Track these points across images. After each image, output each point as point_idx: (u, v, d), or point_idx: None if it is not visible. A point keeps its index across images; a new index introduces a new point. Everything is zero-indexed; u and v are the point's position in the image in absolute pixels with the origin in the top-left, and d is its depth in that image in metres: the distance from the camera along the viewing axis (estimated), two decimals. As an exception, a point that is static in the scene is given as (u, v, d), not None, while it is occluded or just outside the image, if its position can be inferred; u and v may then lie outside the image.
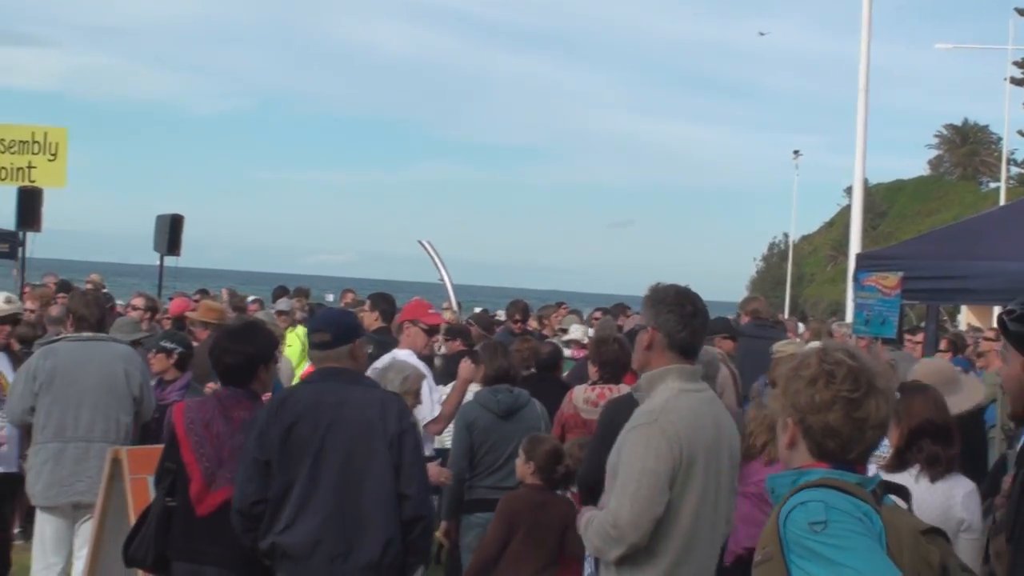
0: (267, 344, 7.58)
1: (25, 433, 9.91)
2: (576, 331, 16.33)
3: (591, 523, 5.85)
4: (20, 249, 20.87)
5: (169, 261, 22.93)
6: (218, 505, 7.07)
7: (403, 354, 10.17)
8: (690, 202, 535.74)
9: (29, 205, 20.52)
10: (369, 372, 8.48)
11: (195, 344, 11.69)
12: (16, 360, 10.41)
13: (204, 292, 23.04)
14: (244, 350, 7.39)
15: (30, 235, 20.93)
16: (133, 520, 8.38)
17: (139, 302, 14.97)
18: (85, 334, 9.82)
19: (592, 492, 8.87)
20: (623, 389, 9.91)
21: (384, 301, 13.10)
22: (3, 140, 21.03)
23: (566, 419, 10.11)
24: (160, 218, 22.32)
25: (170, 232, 22.11)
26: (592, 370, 10.45)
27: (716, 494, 5.86)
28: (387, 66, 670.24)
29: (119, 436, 9.64)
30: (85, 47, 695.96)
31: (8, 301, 10.53)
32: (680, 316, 5.92)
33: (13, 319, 10.63)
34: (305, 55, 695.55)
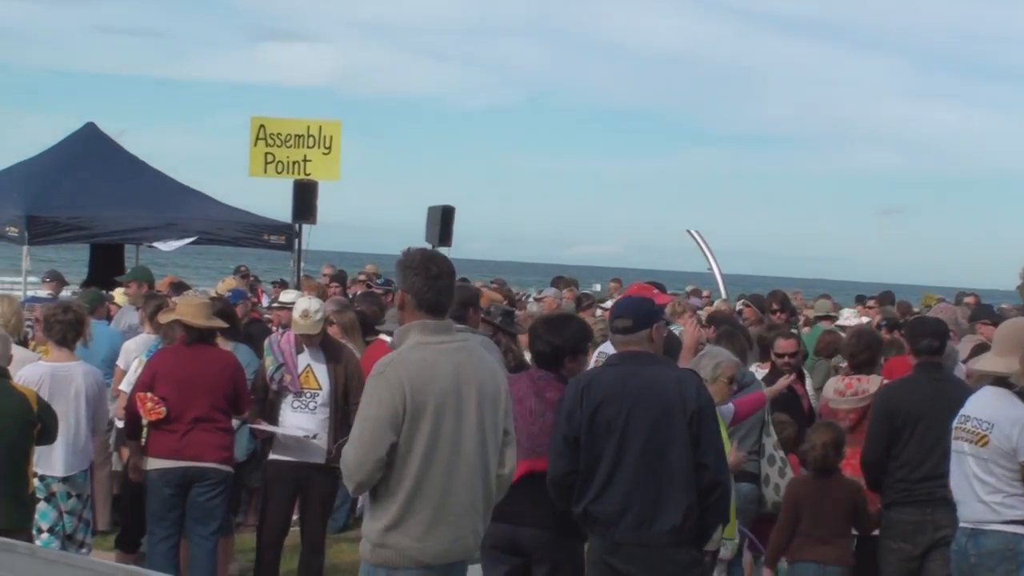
0: (576, 336, 8.23)
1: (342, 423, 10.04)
2: (848, 315, 17.09)
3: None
4: (296, 241, 21.32)
5: (440, 252, 23.13)
6: (525, 473, 7.58)
7: None
8: (963, 189, 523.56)
9: (304, 198, 20.92)
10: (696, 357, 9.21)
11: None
12: (331, 355, 10.50)
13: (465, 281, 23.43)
14: (552, 340, 8.11)
15: (305, 227, 21.36)
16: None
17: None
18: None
19: (874, 470, 9.29)
20: (873, 379, 10.60)
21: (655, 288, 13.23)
22: (279, 134, 21.51)
23: (819, 408, 11.03)
24: (432, 209, 22.51)
25: (441, 223, 22.26)
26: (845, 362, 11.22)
27: (458, 435, 6.36)
28: (654, 56, 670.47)
29: None
30: (355, 43, 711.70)
31: (304, 316, 10.41)
32: (425, 278, 6.44)
33: (308, 339, 10.51)
34: (573, 48, 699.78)
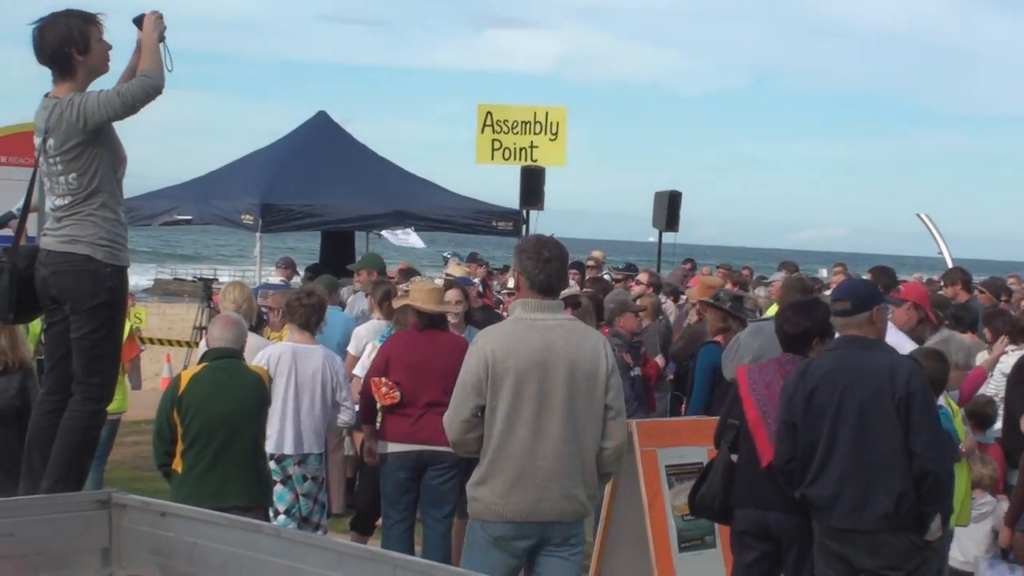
0: (825, 318, 8.10)
1: None
2: None
3: None
4: (524, 227, 21.43)
5: (666, 237, 23.11)
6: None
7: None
8: None
9: (532, 184, 21.06)
10: (932, 343, 9.31)
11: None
12: None
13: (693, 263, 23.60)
14: (801, 322, 8.12)
15: (533, 213, 21.46)
16: (643, 489, 8.62)
17: (644, 278, 15.22)
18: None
19: None
20: None
21: (884, 274, 13.07)
22: (507, 121, 21.69)
23: None
24: (659, 195, 22.47)
25: (668, 208, 22.23)
26: None
27: (543, 403, 6.88)
28: (878, 37, 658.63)
29: None
30: (578, 28, 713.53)
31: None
32: (537, 261, 7.04)
33: (573, 301, 10.44)
34: (797, 30, 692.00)
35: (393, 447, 10.06)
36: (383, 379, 10.02)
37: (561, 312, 7.22)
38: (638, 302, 13.03)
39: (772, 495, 7.81)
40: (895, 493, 7.25)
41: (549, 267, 7.06)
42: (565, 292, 10.34)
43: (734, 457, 8.08)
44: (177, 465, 8.68)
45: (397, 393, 9.95)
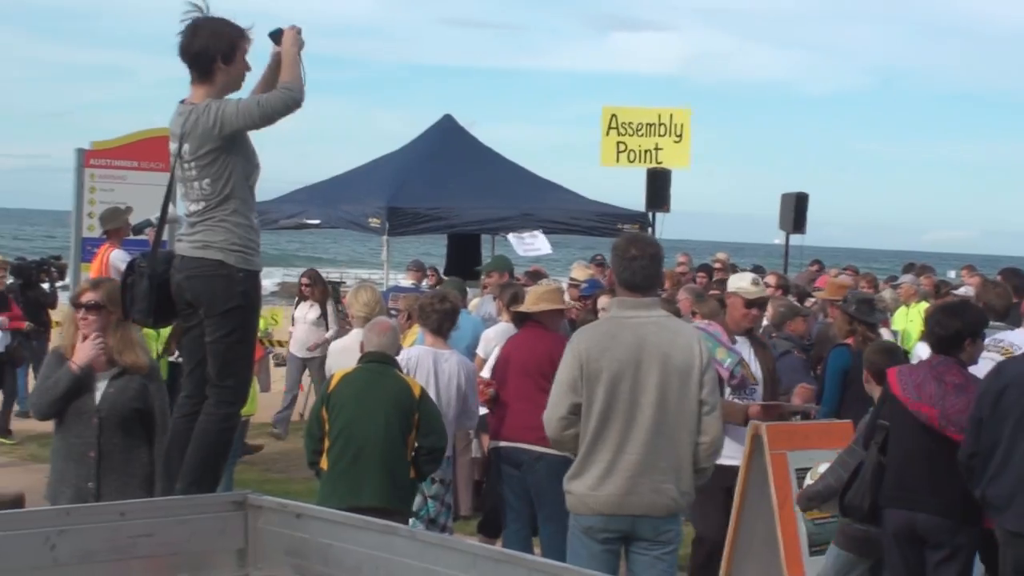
0: (975, 320, 8.33)
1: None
2: None
3: None
4: (650, 229, 21.37)
5: (793, 239, 22.96)
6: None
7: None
8: None
9: (657, 186, 21.05)
10: None
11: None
12: (758, 345, 9.86)
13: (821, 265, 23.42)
14: (952, 324, 8.20)
15: (659, 215, 21.42)
16: (773, 492, 8.54)
17: (772, 280, 15.12)
18: None
19: None
20: None
21: (1015, 276, 13.03)
22: (631, 123, 21.64)
23: None
24: (785, 196, 22.35)
25: (795, 210, 22.12)
26: None
27: (635, 399, 7.01)
28: (1006, 36, 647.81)
29: None
30: (702, 30, 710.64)
31: (755, 283, 9.95)
32: (623, 259, 7.19)
33: (761, 303, 10.04)
34: (923, 30, 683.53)
35: (501, 443, 10.10)
36: (483, 376, 10.16)
37: (655, 309, 7.30)
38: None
39: (920, 496, 7.84)
40: None
41: (634, 265, 7.17)
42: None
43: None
44: (324, 462, 8.84)
45: (491, 390, 10.05)
